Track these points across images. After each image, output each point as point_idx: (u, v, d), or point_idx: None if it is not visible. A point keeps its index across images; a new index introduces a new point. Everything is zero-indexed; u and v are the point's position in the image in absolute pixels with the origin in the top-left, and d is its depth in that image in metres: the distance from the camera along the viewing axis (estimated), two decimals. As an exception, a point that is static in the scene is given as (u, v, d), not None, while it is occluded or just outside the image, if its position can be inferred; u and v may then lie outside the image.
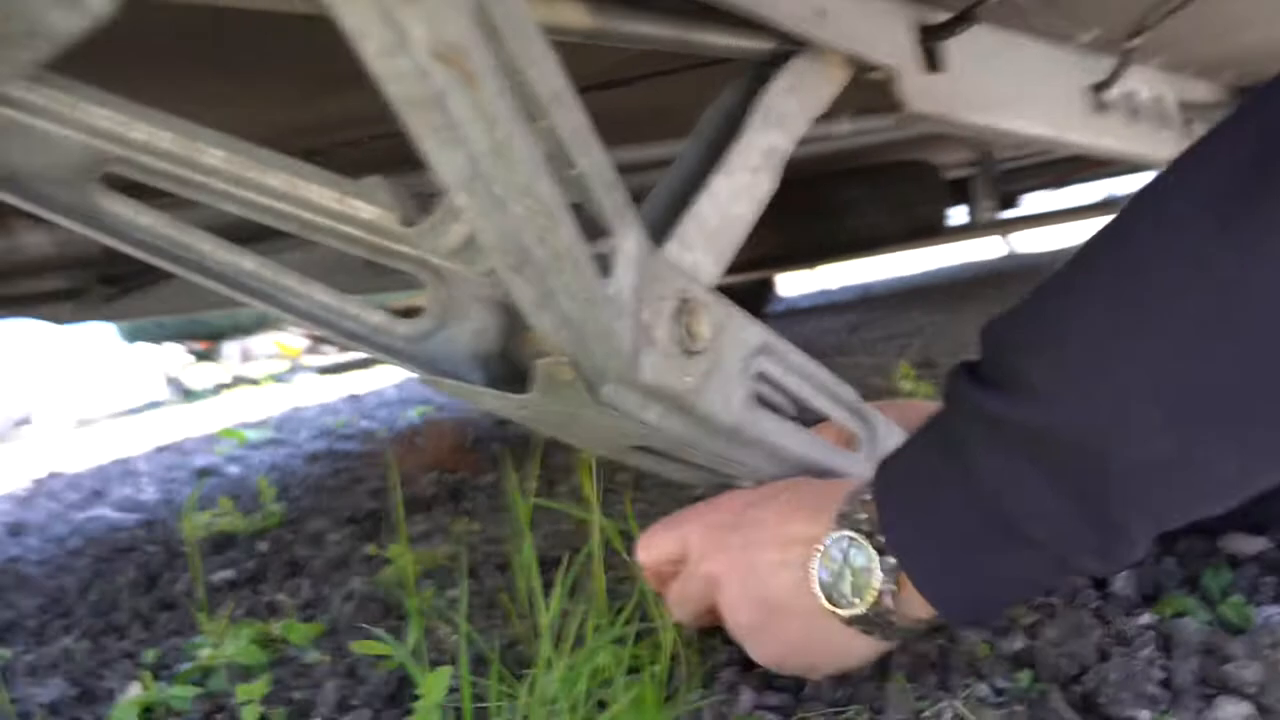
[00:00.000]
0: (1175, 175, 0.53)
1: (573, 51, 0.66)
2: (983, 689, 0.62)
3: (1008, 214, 4.37)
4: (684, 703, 0.65)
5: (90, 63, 0.66)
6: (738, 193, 0.71)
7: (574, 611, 0.73)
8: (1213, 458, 0.50)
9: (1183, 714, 0.55)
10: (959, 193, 3.77)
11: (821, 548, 0.59)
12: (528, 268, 0.45)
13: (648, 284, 0.55)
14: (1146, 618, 0.65)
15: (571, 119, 0.45)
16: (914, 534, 0.57)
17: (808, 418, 0.72)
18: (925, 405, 0.87)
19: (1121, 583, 0.70)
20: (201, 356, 7.17)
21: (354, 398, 3.86)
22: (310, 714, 0.81)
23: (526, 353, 0.58)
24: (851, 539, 0.58)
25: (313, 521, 1.66)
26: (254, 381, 6.51)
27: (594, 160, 0.48)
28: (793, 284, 5.41)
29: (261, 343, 7.41)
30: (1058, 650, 0.63)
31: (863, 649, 0.61)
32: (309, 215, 0.60)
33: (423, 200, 0.56)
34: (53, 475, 2.99)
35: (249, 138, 0.60)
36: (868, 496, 0.59)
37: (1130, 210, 0.54)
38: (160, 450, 3.15)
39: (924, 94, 0.98)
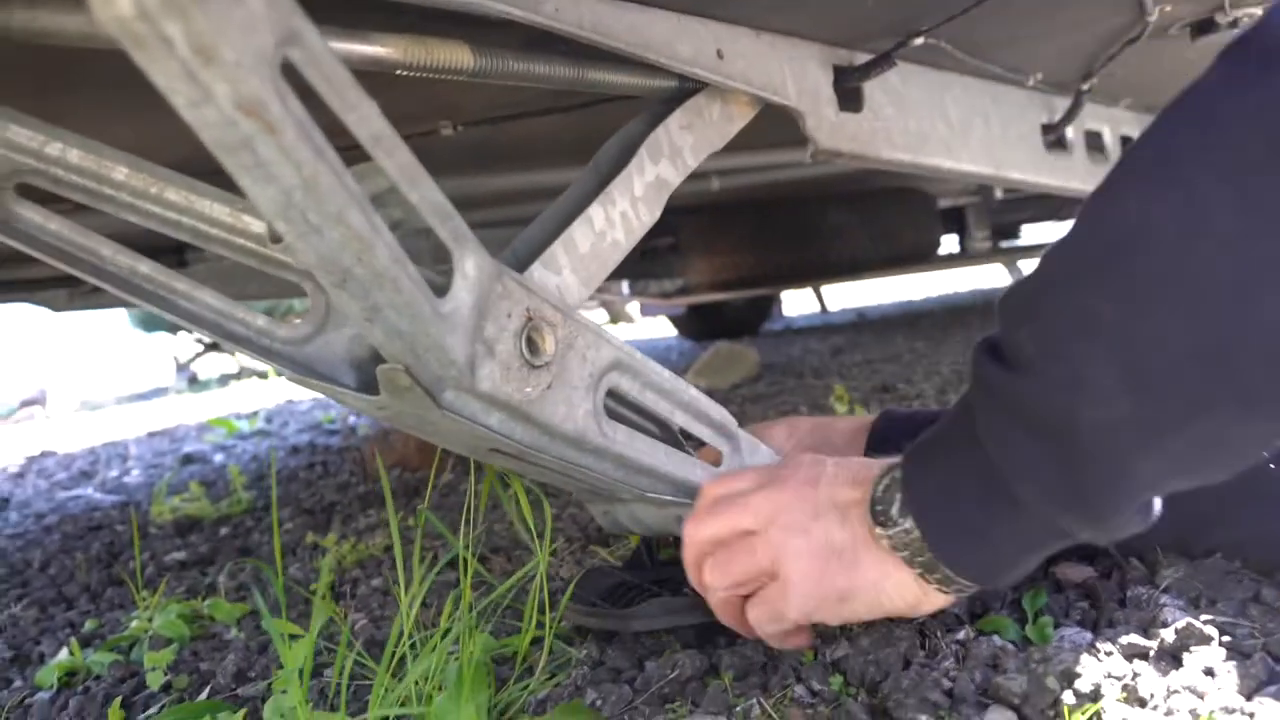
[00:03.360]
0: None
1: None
2: (799, 690, 0.67)
3: (1007, 244, 4.41)
4: (519, 688, 0.71)
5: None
6: (615, 221, 0.77)
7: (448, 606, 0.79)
8: (1168, 419, 0.53)
9: (956, 719, 0.61)
10: (954, 221, 3.81)
11: (873, 490, 0.65)
12: (350, 284, 0.51)
13: (493, 302, 0.61)
14: (963, 633, 0.71)
15: (396, 159, 0.51)
16: (926, 491, 0.63)
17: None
18: (817, 420, 0.93)
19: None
20: (212, 346, 7.29)
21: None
22: (210, 682, 0.87)
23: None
24: (889, 484, 0.64)
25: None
26: (262, 374, 6.61)
27: (424, 194, 0.53)
28: (796, 304, 5.47)
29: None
30: (866, 658, 0.68)
31: (900, 584, 0.65)
32: (204, 227, 0.67)
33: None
34: (47, 454, 3.08)
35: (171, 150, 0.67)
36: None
37: (1094, 194, 0.58)
38: (153, 436, 3.24)
39: (837, 132, 1.03)
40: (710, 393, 2.68)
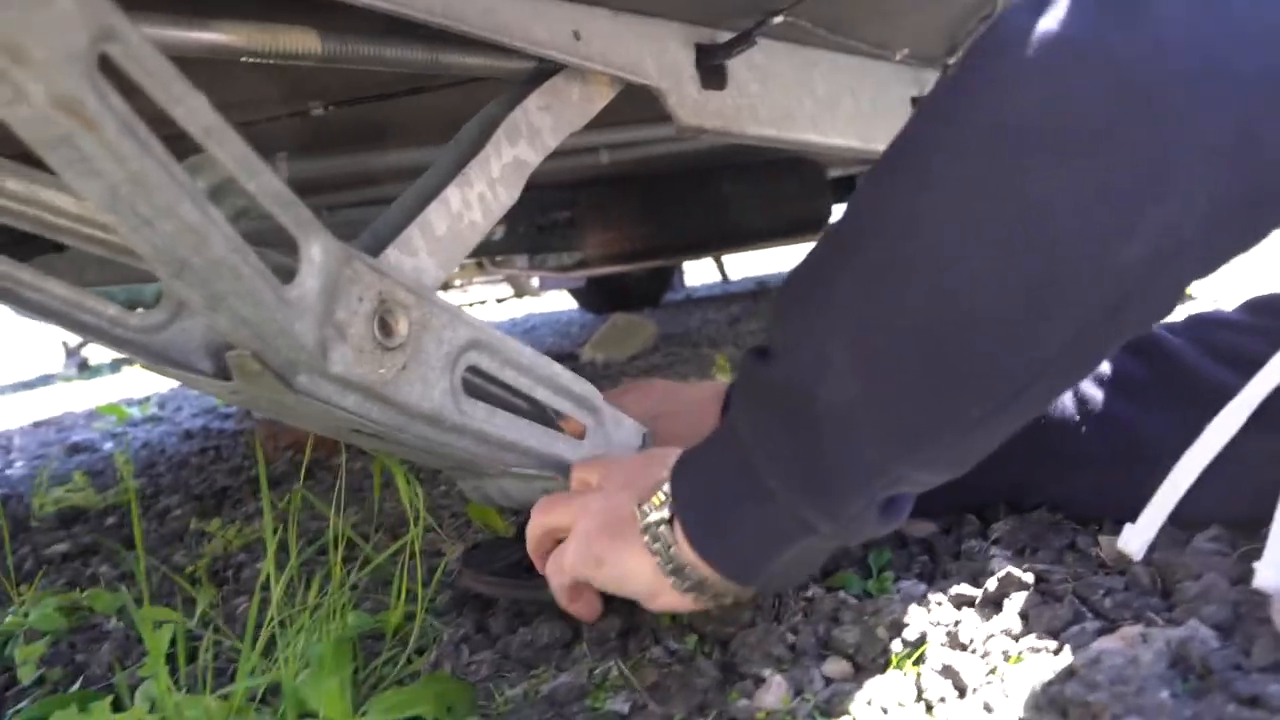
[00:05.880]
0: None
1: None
2: (656, 651, 0.70)
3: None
4: (387, 662, 0.73)
5: None
6: (472, 202, 0.78)
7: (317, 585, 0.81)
8: (892, 400, 0.54)
9: (797, 671, 0.64)
10: (846, 190, 3.89)
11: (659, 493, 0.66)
12: (187, 274, 0.52)
13: (343, 286, 0.62)
14: (812, 591, 0.75)
15: (229, 150, 0.52)
16: (687, 494, 0.64)
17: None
18: (668, 384, 0.96)
19: (806, 559, 0.80)
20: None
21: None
22: (85, 673, 0.87)
23: (239, 345, 0.64)
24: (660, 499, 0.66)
25: (164, 498, 1.71)
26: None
27: (263, 183, 0.54)
28: (698, 274, 5.52)
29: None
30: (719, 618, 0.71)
31: (639, 569, 0.66)
32: (50, 217, 0.66)
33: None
34: (-77, 447, 2.97)
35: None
36: None
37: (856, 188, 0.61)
38: (38, 425, 3.15)
39: (700, 109, 1.05)
40: (608, 364, 2.69)
